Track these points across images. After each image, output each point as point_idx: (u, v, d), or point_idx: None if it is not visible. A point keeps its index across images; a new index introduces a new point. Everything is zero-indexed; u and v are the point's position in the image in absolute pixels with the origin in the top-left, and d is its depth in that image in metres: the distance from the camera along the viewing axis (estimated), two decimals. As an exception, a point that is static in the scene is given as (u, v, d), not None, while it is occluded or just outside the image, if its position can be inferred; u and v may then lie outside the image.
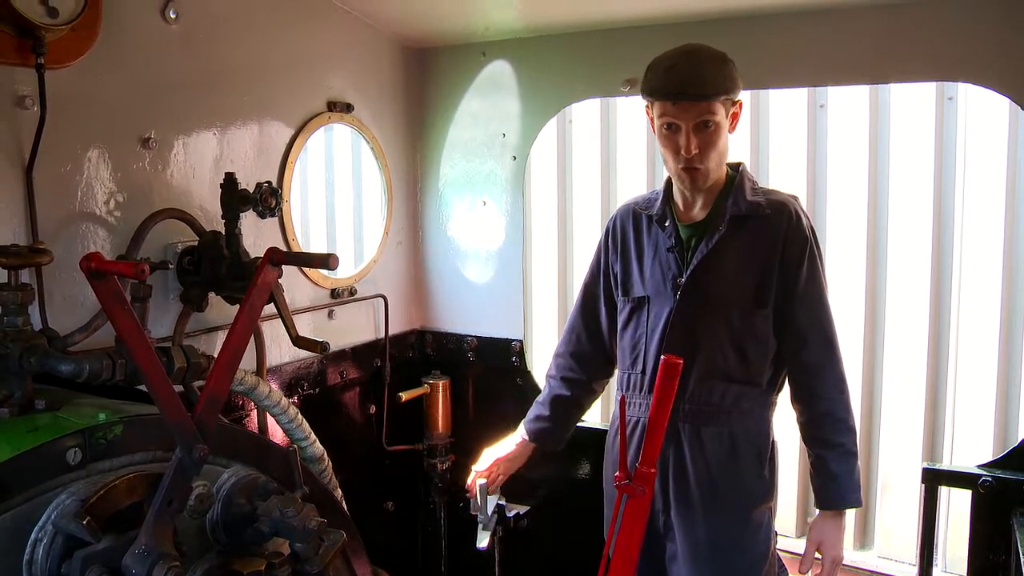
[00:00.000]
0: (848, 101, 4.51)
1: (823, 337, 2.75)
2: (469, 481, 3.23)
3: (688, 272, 2.74)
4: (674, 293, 2.77)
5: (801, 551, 2.84)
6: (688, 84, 2.55)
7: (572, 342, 3.14)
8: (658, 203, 2.86)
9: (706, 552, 2.78)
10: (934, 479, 3.03)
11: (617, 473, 2.54)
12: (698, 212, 2.80)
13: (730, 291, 2.73)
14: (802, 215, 2.76)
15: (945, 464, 4.10)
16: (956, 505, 4.11)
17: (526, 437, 3.18)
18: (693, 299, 2.74)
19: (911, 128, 4.38)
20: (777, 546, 2.95)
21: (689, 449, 2.78)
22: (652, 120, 2.70)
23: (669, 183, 2.87)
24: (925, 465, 3.07)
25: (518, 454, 3.19)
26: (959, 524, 4.18)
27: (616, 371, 3.08)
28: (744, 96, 4.56)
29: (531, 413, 3.21)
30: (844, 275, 4.57)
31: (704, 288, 2.73)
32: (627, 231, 2.96)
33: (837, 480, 2.71)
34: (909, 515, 4.44)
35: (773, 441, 2.87)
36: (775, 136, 4.73)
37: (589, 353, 3.11)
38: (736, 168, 2.82)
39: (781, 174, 4.70)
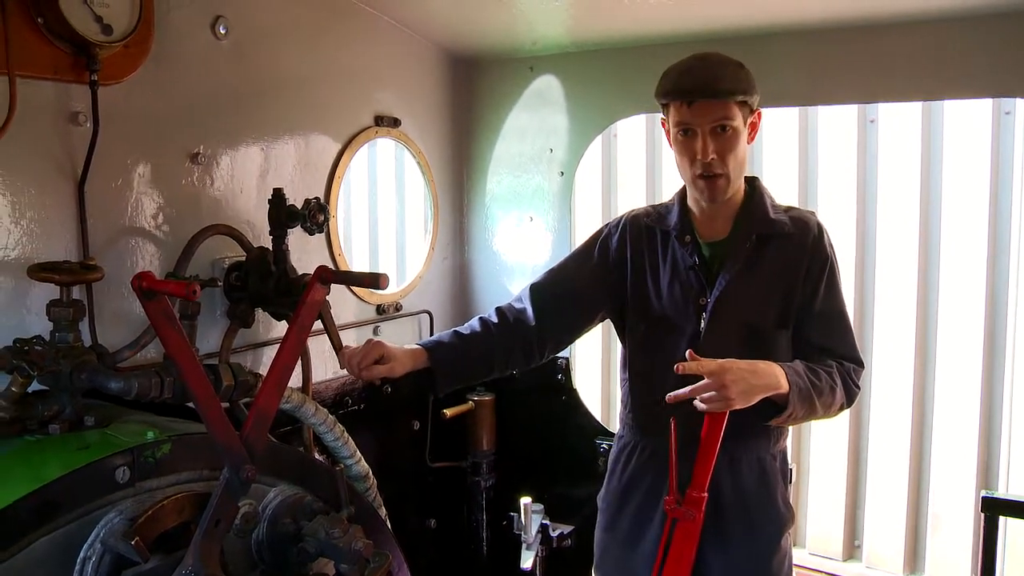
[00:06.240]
0: (899, 116, 4.43)
1: (843, 354, 2.61)
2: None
3: (715, 294, 2.59)
4: (697, 315, 2.62)
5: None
6: (703, 84, 2.46)
7: (514, 310, 2.83)
8: (674, 217, 2.70)
9: None
10: (994, 508, 2.93)
11: (667, 497, 2.49)
12: (719, 228, 2.65)
13: (757, 312, 2.59)
14: (824, 231, 2.64)
15: (1003, 492, 3.98)
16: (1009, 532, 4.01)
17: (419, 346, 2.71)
18: (720, 321, 2.58)
19: (966, 143, 4.29)
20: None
21: (722, 475, 2.60)
22: (668, 131, 2.58)
23: (682, 197, 2.72)
24: (984, 494, 2.96)
25: (401, 354, 2.60)
26: (1015, 550, 4.08)
27: (625, 399, 2.86)
28: (791, 112, 4.58)
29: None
30: (895, 295, 4.49)
31: (731, 310, 2.58)
32: (640, 244, 2.78)
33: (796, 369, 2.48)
34: (962, 543, 4.33)
35: (791, 464, 2.78)
36: (824, 152, 4.65)
37: (527, 324, 2.78)
38: (752, 183, 2.68)
39: (830, 190, 4.63)
